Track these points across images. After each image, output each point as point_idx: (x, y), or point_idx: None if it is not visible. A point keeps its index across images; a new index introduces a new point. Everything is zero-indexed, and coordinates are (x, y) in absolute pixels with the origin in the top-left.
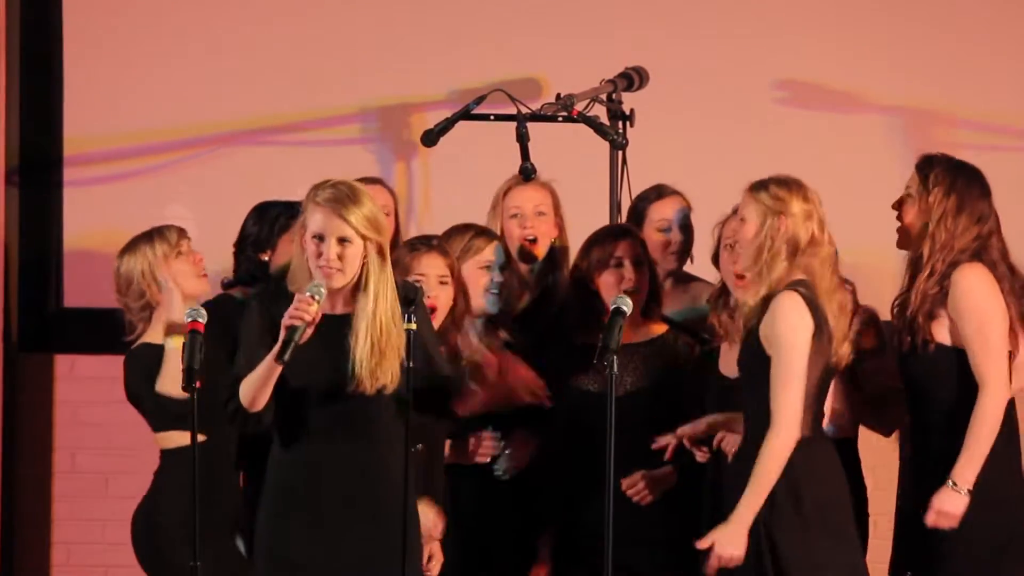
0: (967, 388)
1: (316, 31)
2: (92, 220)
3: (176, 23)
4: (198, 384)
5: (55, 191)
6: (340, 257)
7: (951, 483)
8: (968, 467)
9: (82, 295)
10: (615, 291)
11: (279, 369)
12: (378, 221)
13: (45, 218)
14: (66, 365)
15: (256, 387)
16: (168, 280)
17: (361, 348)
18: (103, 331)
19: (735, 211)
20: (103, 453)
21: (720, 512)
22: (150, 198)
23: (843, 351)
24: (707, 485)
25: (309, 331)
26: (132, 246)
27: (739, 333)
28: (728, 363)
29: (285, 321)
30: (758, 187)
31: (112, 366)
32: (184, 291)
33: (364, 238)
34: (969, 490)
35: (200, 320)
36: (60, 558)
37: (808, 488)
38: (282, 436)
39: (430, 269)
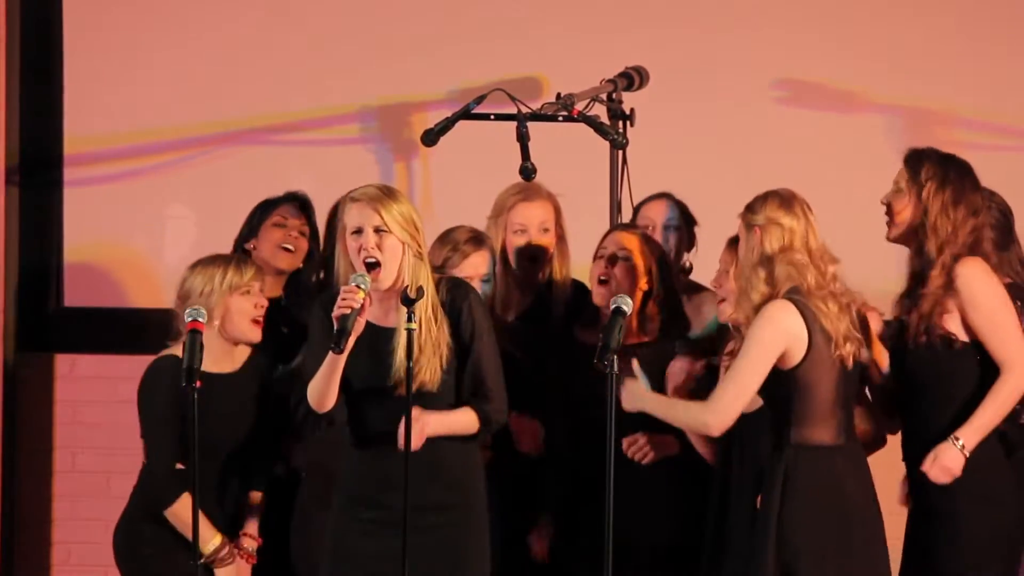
0: (979, 384)
1: (316, 31)
2: (93, 219)
3: (176, 23)
4: (198, 384)
5: (55, 191)
6: (379, 247)
7: (953, 439)
8: (975, 431)
9: (82, 295)
10: (594, 282)
11: (341, 364)
12: (413, 221)
13: (45, 218)
14: (66, 365)
15: (321, 387)
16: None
17: (403, 347)
18: (103, 331)
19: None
20: (103, 453)
21: (725, 514)
22: (150, 198)
23: (847, 349)
24: (714, 488)
25: (361, 321)
26: (207, 264)
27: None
28: None
29: (335, 313)
30: (744, 210)
31: (112, 366)
32: (233, 331)
33: (400, 236)
34: (968, 454)
35: (200, 320)
36: (60, 558)
37: (835, 492)
38: (350, 440)
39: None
